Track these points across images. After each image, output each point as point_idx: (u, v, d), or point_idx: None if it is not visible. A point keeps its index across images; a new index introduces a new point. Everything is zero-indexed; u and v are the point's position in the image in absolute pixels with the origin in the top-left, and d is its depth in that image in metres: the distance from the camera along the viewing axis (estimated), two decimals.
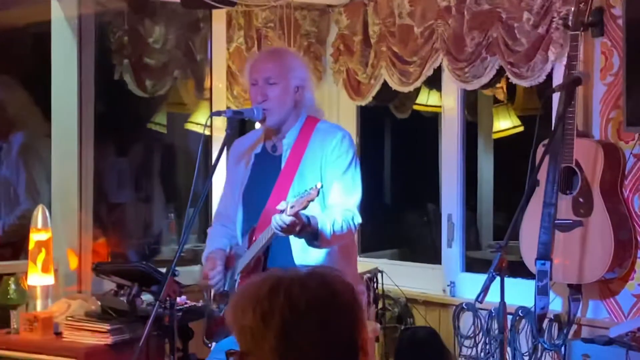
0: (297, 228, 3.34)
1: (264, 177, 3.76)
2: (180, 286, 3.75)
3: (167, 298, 3.59)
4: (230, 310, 1.82)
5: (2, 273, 4.62)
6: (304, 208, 3.27)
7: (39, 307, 4.53)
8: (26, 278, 4.55)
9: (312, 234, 3.44)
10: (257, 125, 5.07)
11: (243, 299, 1.80)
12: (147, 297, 4.18)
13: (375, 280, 5.25)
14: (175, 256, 3.51)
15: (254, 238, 3.65)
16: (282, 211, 3.29)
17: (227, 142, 3.71)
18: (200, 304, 4.29)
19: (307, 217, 3.38)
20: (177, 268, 3.51)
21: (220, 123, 5.41)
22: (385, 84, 5.69)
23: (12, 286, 4.39)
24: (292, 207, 3.26)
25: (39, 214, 4.59)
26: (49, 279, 4.59)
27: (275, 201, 3.61)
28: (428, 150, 6.64)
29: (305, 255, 3.58)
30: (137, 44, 5.59)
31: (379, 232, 6.57)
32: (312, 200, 3.24)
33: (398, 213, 7.30)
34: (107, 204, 6.18)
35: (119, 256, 5.90)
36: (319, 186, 3.22)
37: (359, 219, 3.62)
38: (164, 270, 3.83)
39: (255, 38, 5.74)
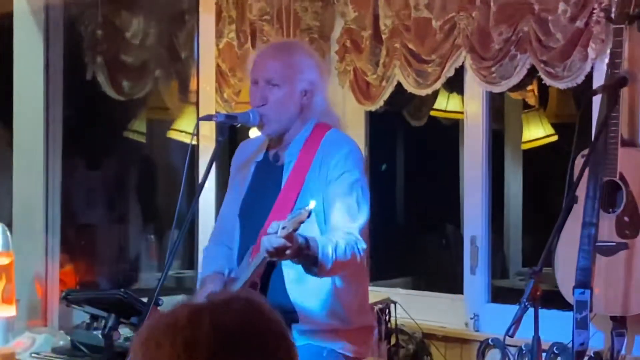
0: (288, 252, 3.33)
1: (264, 190, 3.76)
2: None
3: None
4: (140, 346, 1.79)
5: None
6: (295, 230, 3.27)
7: None
8: None
9: (310, 260, 3.44)
10: (251, 132, 5.11)
11: (156, 332, 1.78)
12: (125, 331, 4.18)
13: (387, 312, 5.24)
14: (158, 283, 3.51)
15: (250, 260, 3.65)
16: (274, 232, 3.28)
17: (219, 152, 3.71)
18: None
19: (306, 239, 3.38)
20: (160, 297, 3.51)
21: (207, 131, 5.42)
22: (399, 86, 5.69)
23: None
24: (283, 229, 3.26)
25: None
26: (10, 311, 4.59)
27: (277, 219, 3.61)
28: (447, 163, 6.65)
29: (299, 286, 3.59)
30: (113, 39, 5.61)
31: (391, 257, 6.57)
32: (303, 221, 3.24)
33: (413, 235, 7.31)
34: (75, 225, 6.18)
35: (89, 285, 5.90)
36: (311, 206, 3.21)
37: (363, 245, 3.60)
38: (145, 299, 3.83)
39: (248, 33, 5.76)
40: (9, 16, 5.28)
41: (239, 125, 3.81)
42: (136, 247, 6.44)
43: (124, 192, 6.49)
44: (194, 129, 3.86)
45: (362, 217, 3.64)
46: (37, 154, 5.23)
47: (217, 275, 3.77)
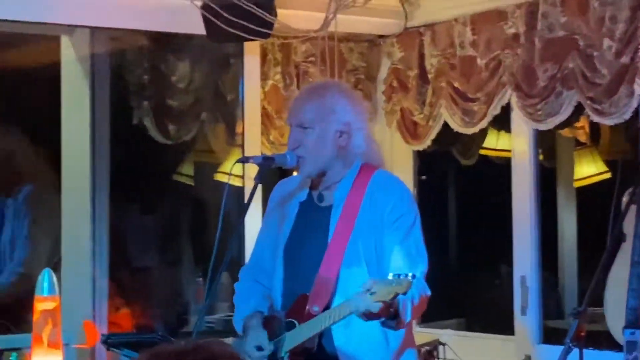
0: (382, 315, 3.29)
1: (309, 232, 3.72)
2: None
3: None
4: None
5: (3, 348, 4.65)
6: (392, 299, 3.22)
7: None
8: (30, 354, 4.56)
9: (391, 316, 3.38)
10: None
11: None
12: None
13: (435, 354, 5.18)
14: (195, 325, 3.51)
15: (307, 308, 3.58)
16: (366, 291, 3.23)
17: (255, 193, 3.70)
18: None
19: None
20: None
21: (254, 172, 5.42)
22: (445, 125, 5.67)
23: None
24: (373, 294, 3.21)
25: (45, 279, 4.61)
26: (56, 355, 4.60)
27: (329, 267, 3.58)
28: (500, 201, 6.57)
29: (347, 329, 3.53)
30: (159, 84, 5.65)
31: (442, 298, 6.47)
32: (405, 293, 3.20)
33: (465, 276, 7.23)
34: (129, 268, 6.20)
35: (145, 329, 5.90)
36: (410, 277, 3.18)
37: (429, 292, 3.58)
38: None
39: (294, 75, 5.77)
40: (57, 65, 5.35)
41: (275, 166, 3.80)
42: (188, 289, 6.45)
43: (174, 235, 6.51)
44: (231, 169, 3.83)
45: (424, 261, 3.61)
46: (84, 199, 5.27)
47: (257, 315, 3.71)
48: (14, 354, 4.45)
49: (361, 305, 3.25)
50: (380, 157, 3.81)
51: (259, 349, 3.58)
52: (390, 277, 3.20)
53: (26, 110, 5.74)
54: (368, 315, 3.28)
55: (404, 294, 3.20)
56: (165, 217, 6.47)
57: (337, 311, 3.45)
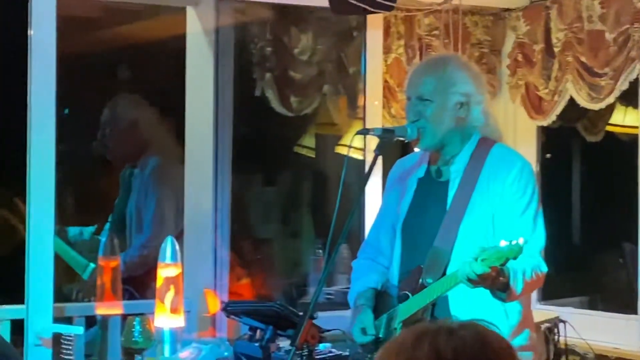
0: (489, 282, 3.33)
1: (428, 207, 3.76)
2: (320, 331, 3.79)
3: (305, 345, 3.63)
4: None
5: (127, 313, 4.79)
6: (502, 265, 3.25)
7: (167, 352, 4.66)
8: (153, 319, 4.69)
9: (501, 286, 3.42)
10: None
11: (386, 353, 1.89)
12: (286, 344, 4.23)
13: (556, 332, 5.14)
14: (314, 296, 3.56)
15: (420, 280, 3.64)
16: (476, 258, 3.27)
17: (374, 165, 3.73)
18: (347, 352, 4.32)
19: (501, 268, 3.36)
20: (324, 313, 3.54)
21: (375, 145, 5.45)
22: (571, 100, 5.61)
23: (137, 328, 4.54)
24: (483, 260, 3.25)
25: (168, 246, 4.73)
26: (178, 321, 4.71)
27: (445, 239, 3.61)
28: (626, 179, 6.47)
29: (465, 301, 3.56)
30: (281, 56, 5.69)
31: (565, 275, 6.44)
32: (515, 258, 3.22)
33: (588, 253, 7.15)
34: (252, 239, 6.30)
35: (265, 299, 6.00)
36: (521, 242, 3.20)
37: (545, 268, 3.59)
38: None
39: (417, 48, 5.75)
40: (183, 37, 5.45)
41: (395, 139, 3.83)
42: (307, 261, 6.52)
43: (295, 206, 6.58)
44: (350, 141, 3.87)
45: (542, 238, 3.63)
46: (207, 170, 5.36)
47: (367, 293, 3.79)
48: (137, 318, 4.57)
49: (467, 270, 3.28)
50: (498, 131, 3.82)
51: (363, 331, 3.66)
52: (502, 244, 3.22)
53: (152, 82, 5.86)
54: (475, 282, 3.29)
55: (515, 258, 3.20)
56: (286, 188, 6.55)
57: (446, 280, 3.48)
